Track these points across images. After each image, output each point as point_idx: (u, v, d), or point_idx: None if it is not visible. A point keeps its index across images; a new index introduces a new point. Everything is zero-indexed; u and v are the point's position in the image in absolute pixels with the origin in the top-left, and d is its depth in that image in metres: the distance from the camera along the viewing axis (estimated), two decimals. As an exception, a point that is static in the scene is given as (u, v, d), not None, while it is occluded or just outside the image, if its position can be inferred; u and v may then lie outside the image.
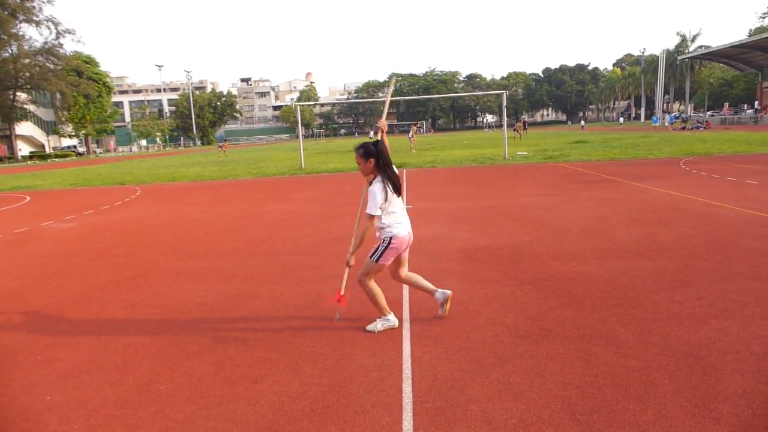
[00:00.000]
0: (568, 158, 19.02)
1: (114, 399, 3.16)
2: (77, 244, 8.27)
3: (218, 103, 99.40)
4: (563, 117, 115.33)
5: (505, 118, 22.55)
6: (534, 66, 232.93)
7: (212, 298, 5.01)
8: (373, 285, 3.98)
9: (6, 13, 52.20)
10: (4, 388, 3.39)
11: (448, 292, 4.17)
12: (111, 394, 3.23)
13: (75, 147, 73.22)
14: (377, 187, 3.75)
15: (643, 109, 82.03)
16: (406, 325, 4.05)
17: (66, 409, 3.06)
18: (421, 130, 73.30)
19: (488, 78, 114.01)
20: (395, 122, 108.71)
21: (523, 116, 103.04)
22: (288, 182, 16.56)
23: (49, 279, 6.17)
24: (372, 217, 3.79)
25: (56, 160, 56.69)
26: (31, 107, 65.59)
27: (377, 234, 3.93)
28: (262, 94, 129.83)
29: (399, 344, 3.71)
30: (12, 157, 59.31)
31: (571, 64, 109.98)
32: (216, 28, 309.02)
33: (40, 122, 73.84)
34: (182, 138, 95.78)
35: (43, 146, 72.61)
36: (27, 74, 55.84)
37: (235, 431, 2.73)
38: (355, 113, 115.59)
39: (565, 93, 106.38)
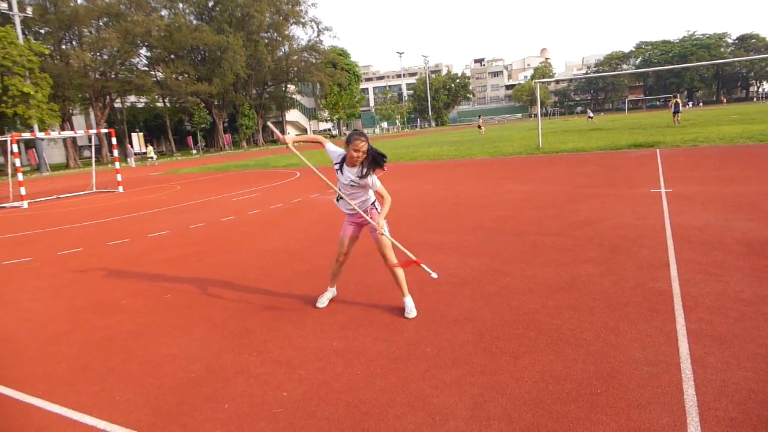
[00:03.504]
0: None
1: (387, 353, 3.51)
2: (338, 215, 9.38)
3: (452, 85, 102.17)
4: None
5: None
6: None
7: (463, 271, 5.20)
8: None
9: (281, 18, 61.53)
10: (299, 330, 4.04)
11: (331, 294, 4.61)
12: (384, 348, 3.60)
13: (329, 130, 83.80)
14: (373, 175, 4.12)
15: None
16: (680, 321, 3.61)
17: (349, 356, 3.51)
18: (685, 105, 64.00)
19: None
20: (641, 96, 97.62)
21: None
22: (526, 162, 16.22)
23: (321, 241, 7.15)
24: (384, 192, 4.25)
25: (315, 141, 65.37)
26: (297, 96, 76.83)
27: (363, 206, 4.22)
28: (495, 74, 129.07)
29: (673, 340, 3.34)
30: (284, 139, 70.69)
31: None
32: (452, 11, 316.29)
33: (303, 109, 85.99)
34: (419, 120, 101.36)
35: (305, 130, 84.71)
36: (295, 69, 65.11)
37: (501, 401, 2.79)
38: (594, 89, 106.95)
39: None
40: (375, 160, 4.02)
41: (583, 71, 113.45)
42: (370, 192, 4.27)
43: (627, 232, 6.16)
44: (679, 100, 28.53)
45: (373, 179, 4.12)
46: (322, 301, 4.55)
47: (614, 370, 3.02)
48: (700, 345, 3.24)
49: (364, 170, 4.03)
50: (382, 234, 4.04)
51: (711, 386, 2.78)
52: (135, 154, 45.13)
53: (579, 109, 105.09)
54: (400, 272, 4.20)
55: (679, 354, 3.15)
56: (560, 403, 2.73)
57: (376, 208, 4.27)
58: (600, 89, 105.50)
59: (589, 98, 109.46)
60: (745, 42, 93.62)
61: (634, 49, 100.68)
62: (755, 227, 5.92)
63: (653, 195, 8.44)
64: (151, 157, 43.10)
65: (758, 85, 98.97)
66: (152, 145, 49.11)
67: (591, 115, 44.59)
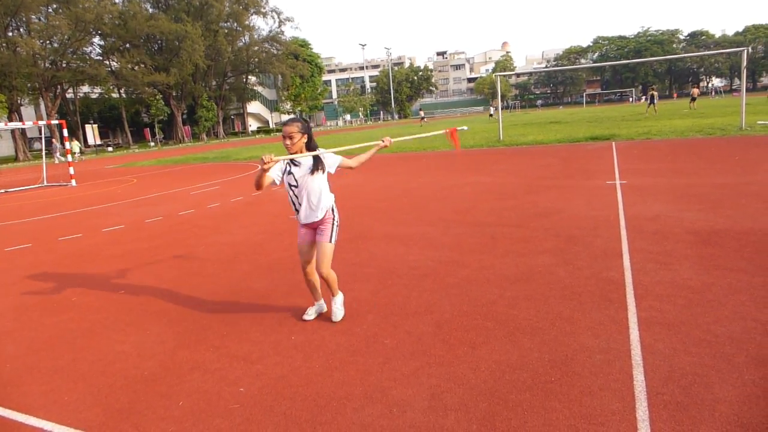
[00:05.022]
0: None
1: (346, 346, 3.50)
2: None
3: (415, 78, 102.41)
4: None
5: (744, 81, 19.16)
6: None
7: (423, 263, 5.23)
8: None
9: (240, 8, 60.30)
10: (257, 325, 3.98)
11: (325, 307, 4.11)
12: (343, 341, 3.58)
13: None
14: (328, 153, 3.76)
15: None
16: (632, 309, 3.72)
17: (308, 349, 3.48)
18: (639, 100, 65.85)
19: (717, 35, 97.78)
20: (599, 90, 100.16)
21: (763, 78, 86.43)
22: (486, 154, 16.42)
23: (282, 235, 7.07)
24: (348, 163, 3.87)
25: (278, 133, 64.78)
26: (258, 88, 75.57)
27: (321, 213, 3.72)
28: (457, 67, 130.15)
29: (624, 328, 3.44)
30: (245, 131, 69.49)
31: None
32: (415, 3, 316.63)
33: (265, 101, 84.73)
34: (381, 112, 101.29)
35: (267, 122, 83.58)
36: (256, 60, 64.05)
37: (458, 391, 2.82)
38: (553, 83, 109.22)
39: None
40: (310, 147, 3.64)
41: (543, 65, 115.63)
42: (325, 189, 3.73)
43: (583, 223, 6.31)
44: (655, 93, 33.58)
45: (327, 160, 3.69)
46: (309, 314, 4.05)
47: (568, 359, 3.09)
48: (650, 332, 3.35)
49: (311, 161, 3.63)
50: (391, 141, 3.92)
51: (659, 372, 2.87)
52: (91, 146, 43.05)
53: (540, 102, 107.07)
54: (335, 279, 3.89)
55: (629, 341, 3.25)
56: (516, 391, 2.78)
57: (334, 213, 3.81)
58: (559, 83, 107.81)
59: (548, 92, 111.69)
60: (696, 38, 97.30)
61: (591, 44, 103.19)
62: (704, 217, 6.15)
63: (608, 186, 8.68)
64: (74, 153, 39.26)
65: (708, 80, 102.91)
66: (77, 139, 45.25)
67: (492, 112, 47.20)
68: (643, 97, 78.66)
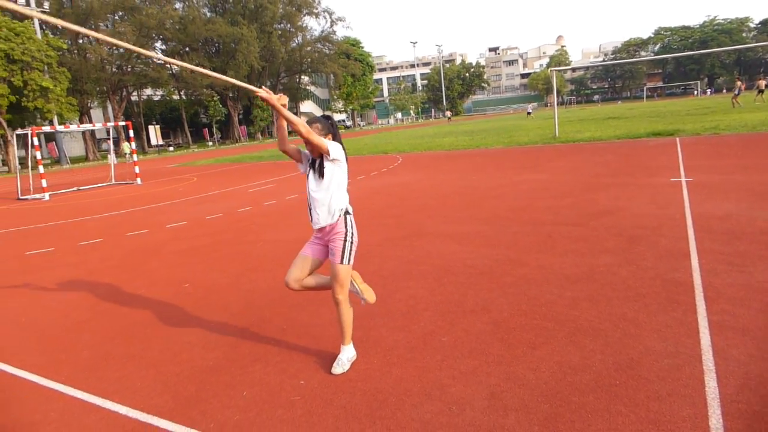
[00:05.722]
0: None
1: (404, 342, 3.51)
2: (354, 204, 9.35)
3: (466, 75, 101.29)
4: None
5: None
6: None
7: (479, 261, 5.18)
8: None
9: (294, 9, 61.45)
10: (315, 319, 4.06)
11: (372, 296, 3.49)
12: (400, 338, 3.60)
13: (344, 121, 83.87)
14: (338, 144, 3.16)
15: None
16: (702, 312, 3.56)
17: (366, 345, 3.52)
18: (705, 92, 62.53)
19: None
20: (660, 84, 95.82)
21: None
22: (541, 151, 16.06)
23: (337, 233, 7.17)
24: (323, 147, 3.03)
25: (330, 132, 65.60)
26: (311, 88, 76.82)
27: (331, 216, 3.16)
28: (510, 63, 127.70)
29: (694, 332, 3.29)
30: (298, 130, 70.84)
31: None
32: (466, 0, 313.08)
33: (317, 100, 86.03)
34: (433, 110, 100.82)
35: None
36: (308, 60, 65.09)
37: (518, 391, 2.78)
38: (611, 77, 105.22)
39: None
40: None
41: (600, 59, 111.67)
42: (343, 194, 3.22)
43: (646, 222, 6.07)
44: (741, 84, 33.46)
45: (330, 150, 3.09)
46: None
47: (633, 362, 2.98)
48: (723, 337, 3.19)
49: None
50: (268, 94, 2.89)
51: (733, 378, 2.73)
52: (154, 146, 45.00)
53: (597, 97, 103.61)
54: (348, 314, 3.25)
55: (700, 346, 3.11)
56: (578, 393, 2.71)
57: (350, 219, 3.29)
58: (617, 77, 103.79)
59: (606, 86, 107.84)
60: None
61: (652, 36, 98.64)
62: (779, 217, 5.79)
63: (673, 184, 8.31)
64: (125, 153, 39.77)
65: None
66: (127, 141, 46.38)
67: (530, 110, 46.98)
68: (703, 91, 74.95)
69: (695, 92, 78.24)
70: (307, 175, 3.27)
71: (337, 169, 3.15)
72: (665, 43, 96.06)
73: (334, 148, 3.10)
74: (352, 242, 3.21)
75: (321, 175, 3.14)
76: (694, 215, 6.19)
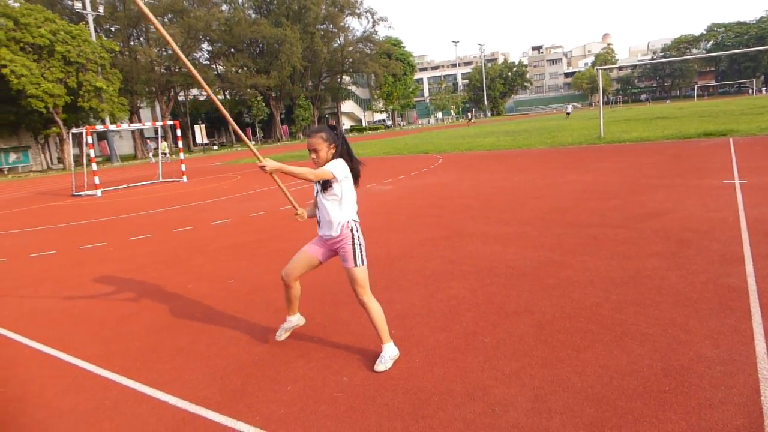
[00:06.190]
0: None
1: (445, 342, 3.51)
2: (395, 204, 9.45)
3: (509, 74, 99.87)
4: None
5: None
6: None
7: (522, 262, 5.12)
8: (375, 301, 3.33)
9: (336, 9, 62.00)
10: (357, 318, 4.10)
11: (302, 322, 3.84)
12: (442, 337, 3.60)
13: (384, 120, 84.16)
14: (341, 161, 3.18)
15: None
16: (757, 319, 3.42)
17: (407, 344, 3.54)
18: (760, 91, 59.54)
19: None
20: (712, 82, 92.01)
21: None
22: (586, 152, 15.70)
23: (378, 232, 7.20)
24: (329, 175, 3.08)
25: (370, 132, 65.95)
26: (352, 87, 77.38)
27: (335, 229, 3.25)
28: (554, 62, 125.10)
29: (749, 339, 3.16)
30: (338, 130, 71.64)
31: None
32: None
33: (358, 100, 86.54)
34: (474, 110, 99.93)
35: (360, 120, 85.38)
36: (350, 60, 65.53)
37: (563, 394, 2.74)
38: (660, 75, 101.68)
39: None
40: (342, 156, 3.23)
41: (649, 57, 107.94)
42: (351, 206, 3.29)
43: (696, 225, 5.87)
44: None
45: (333, 169, 3.12)
46: (279, 334, 3.79)
47: (684, 368, 2.90)
48: (780, 345, 3.06)
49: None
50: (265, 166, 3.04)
51: (792, 388, 2.62)
52: (199, 144, 46.39)
53: (644, 96, 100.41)
54: (378, 312, 3.27)
55: (755, 354, 2.99)
56: (625, 399, 2.65)
57: (354, 225, 3.30)
58: (666, 75, 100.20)
59: (654, 85, 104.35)
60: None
61: (705, 32, 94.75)
62: (842, 221, 5.50)
63: (726, 186, 7.99)
64: (165, 153, 40.06)
65: None
66: (165, 141, 47.16)
67: (569, 110, 46.20)
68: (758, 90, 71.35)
69: (750, 91, 74.86)
70: (316, 191, 3.35)
71: (344, 185, 3.21)
72: (718, 39, 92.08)
73: (338, 172, 3.13)
74: (360, 244, 3.27)
75: (329, 192, 3.21)
76: (749, 218, 5.94)
